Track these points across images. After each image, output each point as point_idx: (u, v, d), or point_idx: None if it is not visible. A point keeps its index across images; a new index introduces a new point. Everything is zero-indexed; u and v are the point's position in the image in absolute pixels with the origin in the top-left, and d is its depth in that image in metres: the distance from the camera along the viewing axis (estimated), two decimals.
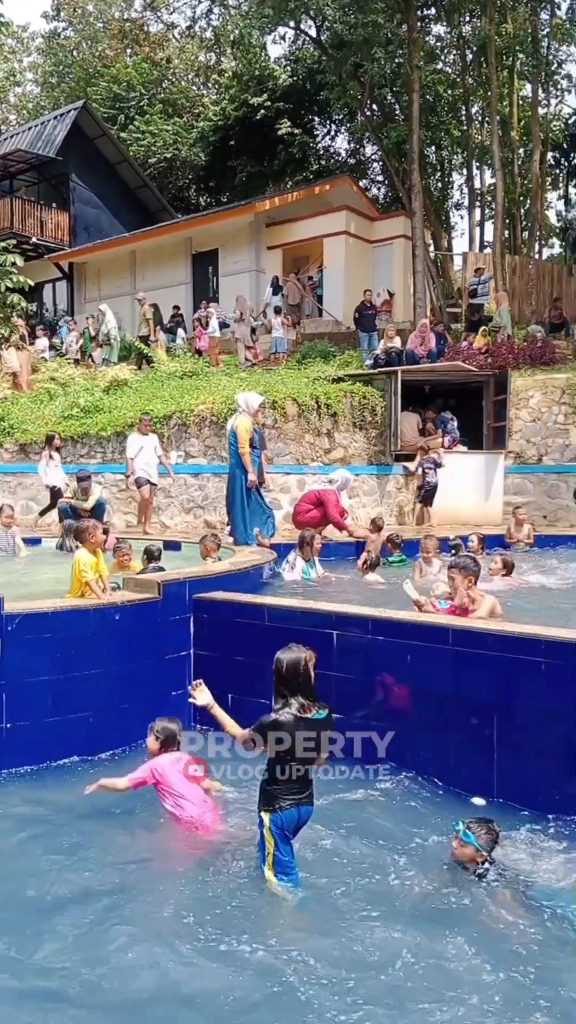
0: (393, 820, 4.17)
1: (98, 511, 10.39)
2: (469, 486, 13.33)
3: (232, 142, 28.36)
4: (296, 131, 27.36)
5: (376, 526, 10.03)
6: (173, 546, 9.36)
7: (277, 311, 18.36)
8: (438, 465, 12.67)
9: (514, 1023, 2.72)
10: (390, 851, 3.85)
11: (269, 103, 27.05)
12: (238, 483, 9.11)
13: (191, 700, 4.10)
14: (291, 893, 3.48)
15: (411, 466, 13.27)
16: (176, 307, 21.76)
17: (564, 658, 4.29)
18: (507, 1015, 2.75)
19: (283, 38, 28.69)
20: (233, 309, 18.69)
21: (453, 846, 3.65)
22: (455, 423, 14.16)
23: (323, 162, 30.34)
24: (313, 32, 25.15)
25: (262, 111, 26.95)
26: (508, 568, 7.90)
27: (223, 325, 18.97)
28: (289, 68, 29.33)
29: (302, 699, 3.51)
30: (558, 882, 3.57)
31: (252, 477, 8.96)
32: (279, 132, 26.85)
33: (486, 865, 3.57)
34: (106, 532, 6.79)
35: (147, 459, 10.93)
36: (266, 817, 3.53)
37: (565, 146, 28.30)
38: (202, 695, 4.03)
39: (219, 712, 3.92)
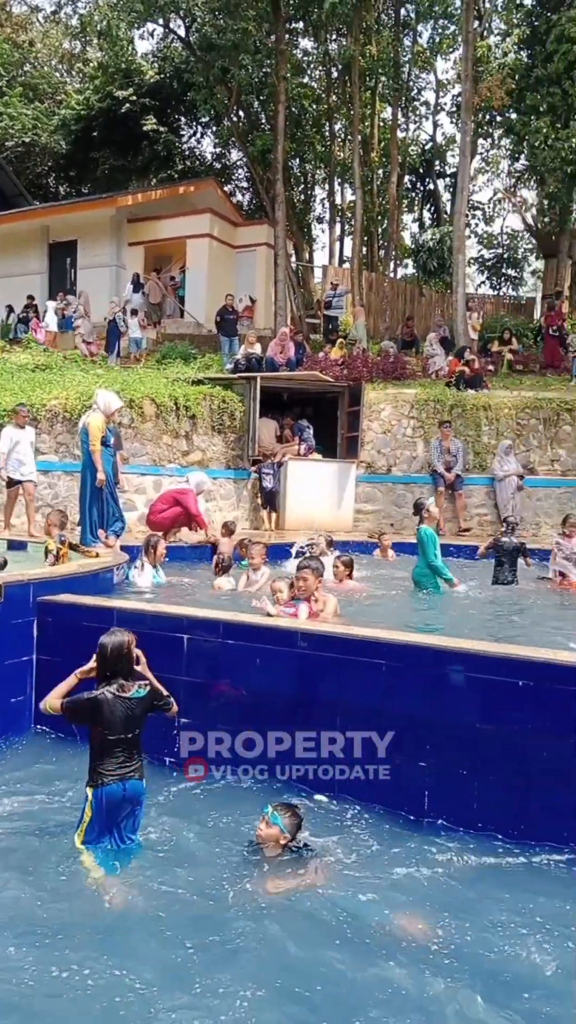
0: (237, 813, 4.24)
1: None
2: (323, 493, 13.66)
3: (95, 133, 27.66)
4: (162, 129, 27.06)
5: (228, 530, 10.07)
6: (18, 546, 8.98)
7: (134, 312, 18.12)
8: (279, 467, 12.94)
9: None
10: (214, 838, 4.00)
11: (135, 98, 26.60)
12: (88, 482, 8.88)
13: None
14: (97, 865, 3.65)
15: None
16: (30, 297, 20.97)
17: (403, 660, 4.48)
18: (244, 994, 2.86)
19: (151, 34, 28.27)
20: (75, 306, 18.25)
21: (260, 827, 3.77)
22: (311, 431, 14.48)
23: (188, 162, 30.18)
24: (182, 32, 25.01)
25: (127, 105, 26.46)
26: (349, 568, 8.17)
27: (67, 319, 18.55)
28: (157, 65, 28.98)
29: (122, 680, 3.84)
30: (359, 870, 3.73)
31: (101, 476, 8.74)
32: (144, 128, 26.45)
33: (289, 847, 3.72)
34: None
35: (22, 454, 10.19)
36: (89, 792, 3.78)
37: (421, 171, 29.63)
38: None
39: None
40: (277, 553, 10.05)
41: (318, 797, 4.48)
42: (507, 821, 4.12)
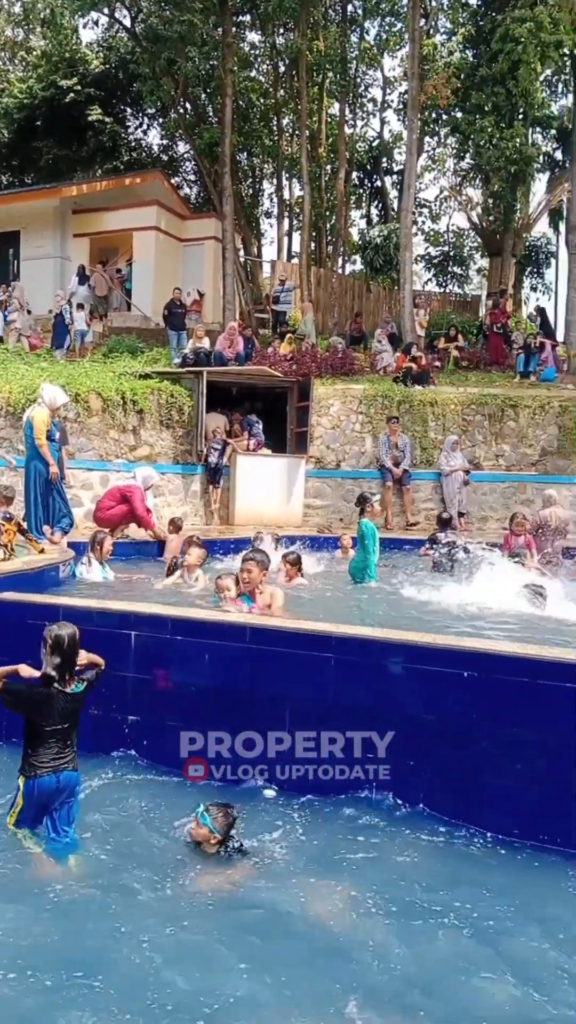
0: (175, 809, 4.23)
1: None
2: (272, 488, 13.66)
3: (39, 123, 27.11)
4: (107, 119, 26.66)
5: (175, 526, 9.98)
6: None
7: (80, 307, 17.85)
8: (224, 446, 12.95)
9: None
10: (149, 832, 4.00)
11: (79, 87, 26.15)
12: (32, 477, 8.72)
13: None
14: (31, 841, 3.75)
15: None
16: None
17: (354, 653, 4.51)
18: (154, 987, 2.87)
19: (96, 24, 27.85)
20: (10, 298, 17.88)
21: (191, 826, 3.80)
22: (260, 426, 14.47)
23: (135, 154, 29.80)
24: (128, 22, 24.66)
25: (72, 95, 26.01)
26: (296, 565, 8.14)
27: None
28: (102, 55, 28.54)
29: (66, 673, 3.85)
30: (295, 868, 3.74)
31: (55, 470, 8.61)
32: (89, 118, 26.03)
33: (221, 846, 3.72)
34: None
35: None
36: (21, 782, 3.81)
37: (368, 167, 29.78)
38: None
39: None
40: (221, 549, 10.09)
41: (268, 793, 4.47)
42: (459, 809, 4.18)
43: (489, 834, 4.04)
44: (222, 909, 3.39)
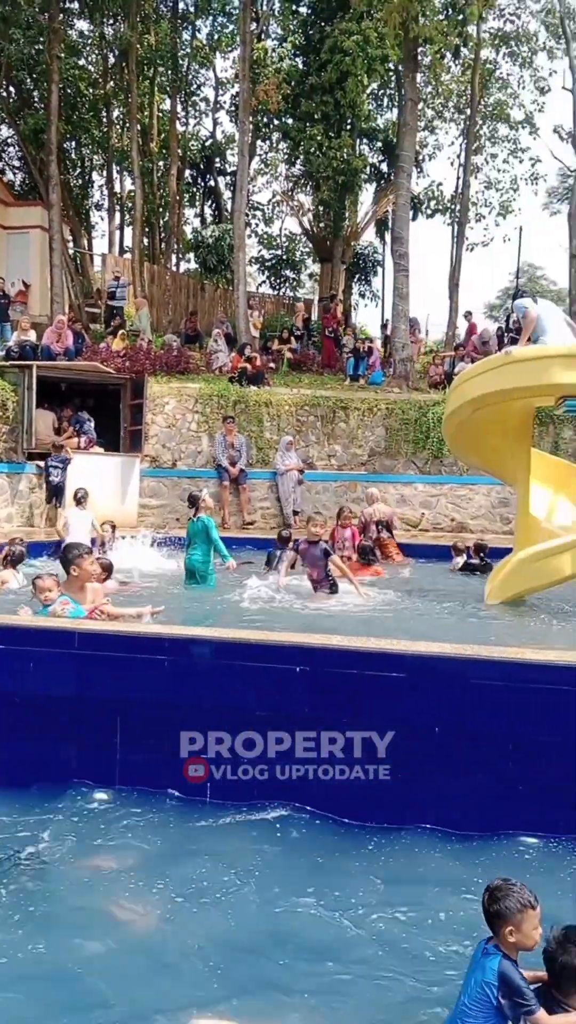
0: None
1: None
2: (106, 488, 13.26)
3: None
4: None
5: None
6: None
7: None
8: (66, 463, 12.44)
9: None
10: None
11: None
12: None
13: None
14: None
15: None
16: None
17: (184, 654, 4.44)
18: None
19: None
20: None
21: None
22: (92, 424, 14.03)
23: None
24: None
25: None
26: (107, 571, 7.86)
27: None
28: None
29: None
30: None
31: None
32: None
33: None
34: None
35: None
36: None
37: (202, 166, 29.68)
38: None
39: None
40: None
41: (98, 795, 4.32)
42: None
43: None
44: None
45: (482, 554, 10.37)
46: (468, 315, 20.84)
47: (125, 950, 3.10)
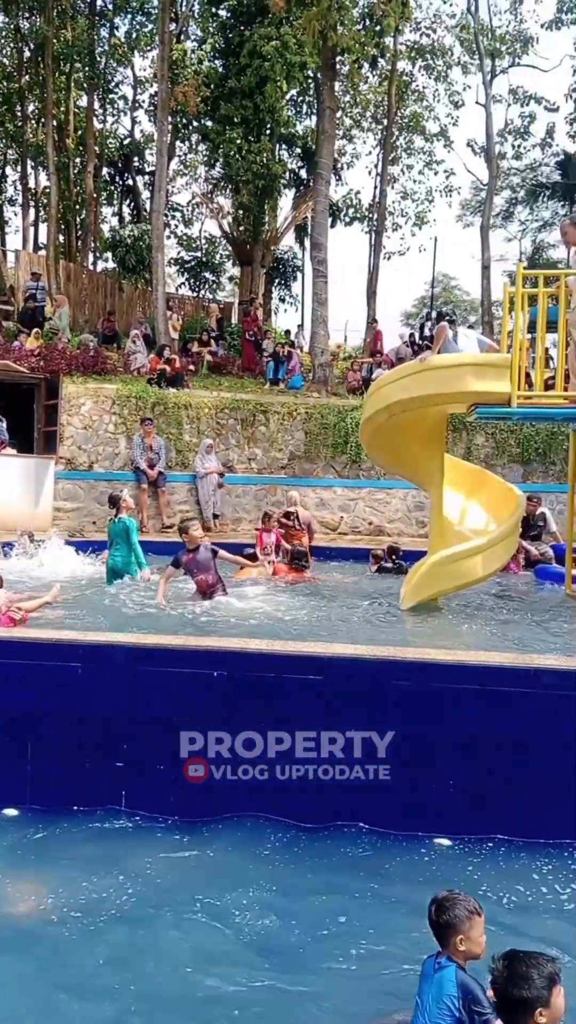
0: None
1: None
2: (18, 490, 12.94)
3: None
4: None
5: None
6: None
7: None
8: None
9: None
10: None
11: None
12: None
13: None
14: None
15: None
16: None
17: (103, 662, 4.37)
18: None
19: None
20: None
21: None
22: (3, 424, 13.64)
23: None
24: None
25: None
26: None
27: None
28: None
29: None
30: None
31: None
32: None
33: None
34: None
35: None
36: None
37: (120, 165, 29.30)
38: None
39: None
40: None
41: (7, 811, 4.22)
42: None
43: None
44: None
45: (395, 556, 10.57)
46: (374, 322, 21.42)
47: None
